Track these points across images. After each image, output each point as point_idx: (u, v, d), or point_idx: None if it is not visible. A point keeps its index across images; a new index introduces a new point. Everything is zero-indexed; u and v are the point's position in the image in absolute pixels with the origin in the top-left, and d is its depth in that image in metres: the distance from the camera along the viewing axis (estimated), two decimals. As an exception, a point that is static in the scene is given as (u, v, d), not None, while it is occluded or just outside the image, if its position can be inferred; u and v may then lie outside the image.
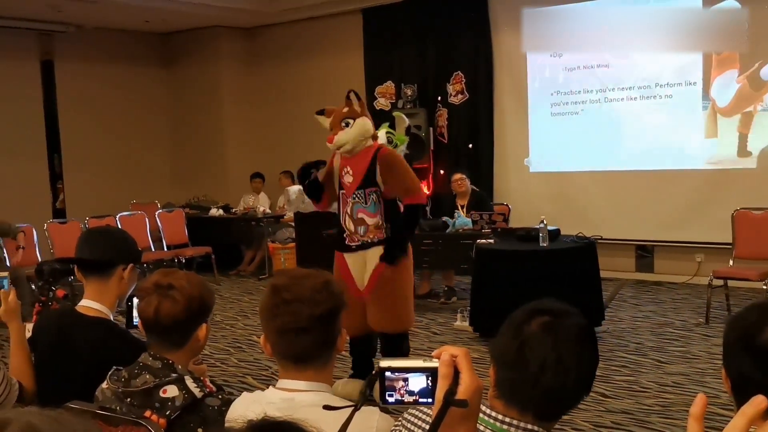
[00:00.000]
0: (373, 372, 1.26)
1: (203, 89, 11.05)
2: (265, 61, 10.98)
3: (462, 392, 1.16)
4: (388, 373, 1.24)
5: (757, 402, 0.89)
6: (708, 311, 6.18)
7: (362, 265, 4.55)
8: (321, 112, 4.65)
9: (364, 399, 1.26)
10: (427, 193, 4.74)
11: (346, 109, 4.50)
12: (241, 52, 11.10)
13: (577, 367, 1.32)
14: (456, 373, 1.18)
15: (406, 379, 1.24)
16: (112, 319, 2.42)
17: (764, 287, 5.93)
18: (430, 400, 1.22)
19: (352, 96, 4.51)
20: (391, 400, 1.25)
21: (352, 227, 4.52)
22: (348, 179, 4.50)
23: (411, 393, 1.24)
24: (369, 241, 4.51)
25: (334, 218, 4.83)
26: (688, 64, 7.61)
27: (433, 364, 1.21)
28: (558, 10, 8.24)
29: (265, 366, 5.47)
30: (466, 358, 1.18)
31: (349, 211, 4.52)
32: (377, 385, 1.24)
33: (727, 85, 7.44)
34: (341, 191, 4.57)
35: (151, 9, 9.32)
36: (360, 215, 4.49)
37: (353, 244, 4.55)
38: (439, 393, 1.17)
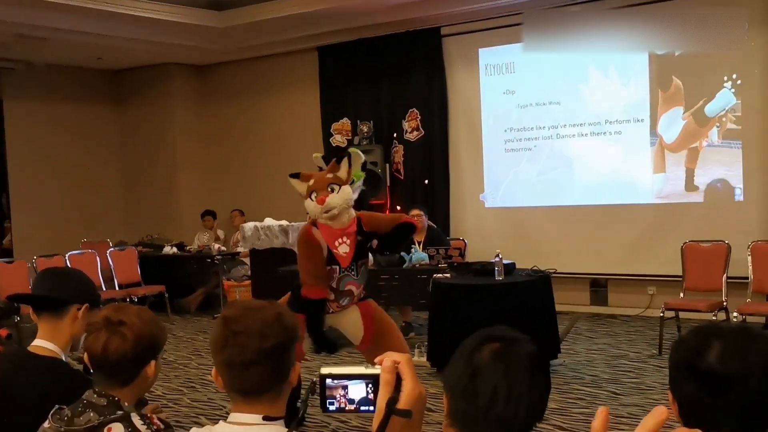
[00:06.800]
0: (314, 380, 1.24)
1: (155, 127, 10.95)
2: (218, 99, 10.95)
3: (404, 399, 1.14)
4: (328, 381, 1.22)
5: (658, 413, 0.91)
6: (661, 342, 6.26)
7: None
8: (296, 176, 4.43)
9: (305, 406, 1.24)
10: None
11: (330, 175, 4.34)
12: (194, 89, 11.06)
13: (528, 394, 1.31)
14: (398, 380, 1.16)
15: (345, 387, 1.21)
16: (64, 359, 2.37)
17: (714, 318, 6.03)
18: (371, 408, 1.19)
19: (344, 162, 4.34)
20: (332, 408, 1.22)
21: (333, 297, 4.40)
22: (344, 249, 4.30)
23: (351, 401, 1.21)
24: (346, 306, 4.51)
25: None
26: (635, 101, 7.80)
27: (375, 370, 1.19)
28: (510, 49, 8.41)
29: (218, 405, 5.35)
30: (409, 364, 1.17)
31: (334, 284, 4.35)
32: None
33: (674, 122, 7.65)
34: (334, 265, 4.33)
35: (102, 46, 9.25)
36: (349, 287, 4.39)
37: (331, 309, 4.47)
38: (381, 401, 1.15)
